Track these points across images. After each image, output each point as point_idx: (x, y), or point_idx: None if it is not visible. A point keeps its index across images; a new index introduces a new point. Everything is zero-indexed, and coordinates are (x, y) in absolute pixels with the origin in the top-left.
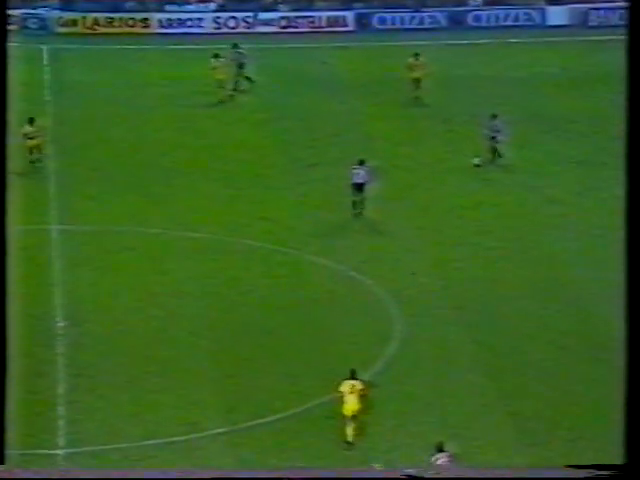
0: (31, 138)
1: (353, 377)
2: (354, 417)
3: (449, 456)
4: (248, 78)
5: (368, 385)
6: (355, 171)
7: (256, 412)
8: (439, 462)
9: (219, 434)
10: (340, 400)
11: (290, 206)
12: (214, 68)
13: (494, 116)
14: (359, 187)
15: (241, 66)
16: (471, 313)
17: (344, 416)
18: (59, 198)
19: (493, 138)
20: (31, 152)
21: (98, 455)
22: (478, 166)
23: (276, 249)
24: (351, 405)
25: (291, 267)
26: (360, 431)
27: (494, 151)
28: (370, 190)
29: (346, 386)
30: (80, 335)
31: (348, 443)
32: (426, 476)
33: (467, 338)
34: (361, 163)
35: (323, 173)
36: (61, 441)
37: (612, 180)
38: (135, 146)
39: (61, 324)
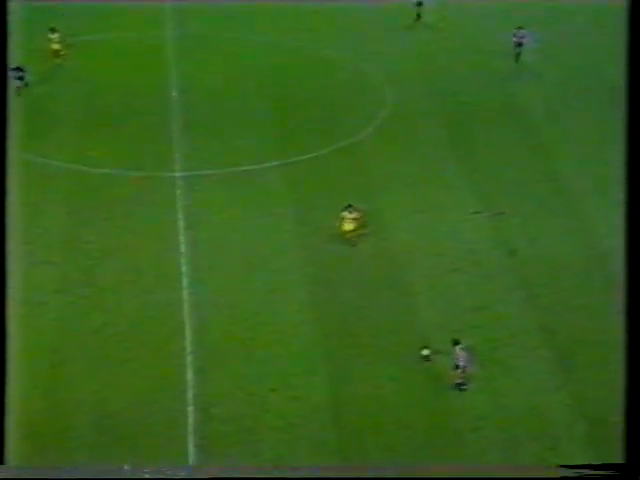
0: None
1: (349, 207)
2: (346, 233)
3: (462, 348)
4: None
5: (361, 213)
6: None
7: (297, 151)
8: (458, 351)
9: (274, 166)
10: (340, 222)
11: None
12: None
13: (519, 28)
14: None
15: None
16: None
17: (343, 231)
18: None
19: (519, 44)
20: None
21: (203, 177)
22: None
23: (315, 48)
24: (346, 226)
25: (322, 60)
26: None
27: (517, 55)
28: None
29: (344, 213)
30: (189, 104)
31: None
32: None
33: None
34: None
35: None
36: (177, 167)
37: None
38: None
39: (175, 94)
